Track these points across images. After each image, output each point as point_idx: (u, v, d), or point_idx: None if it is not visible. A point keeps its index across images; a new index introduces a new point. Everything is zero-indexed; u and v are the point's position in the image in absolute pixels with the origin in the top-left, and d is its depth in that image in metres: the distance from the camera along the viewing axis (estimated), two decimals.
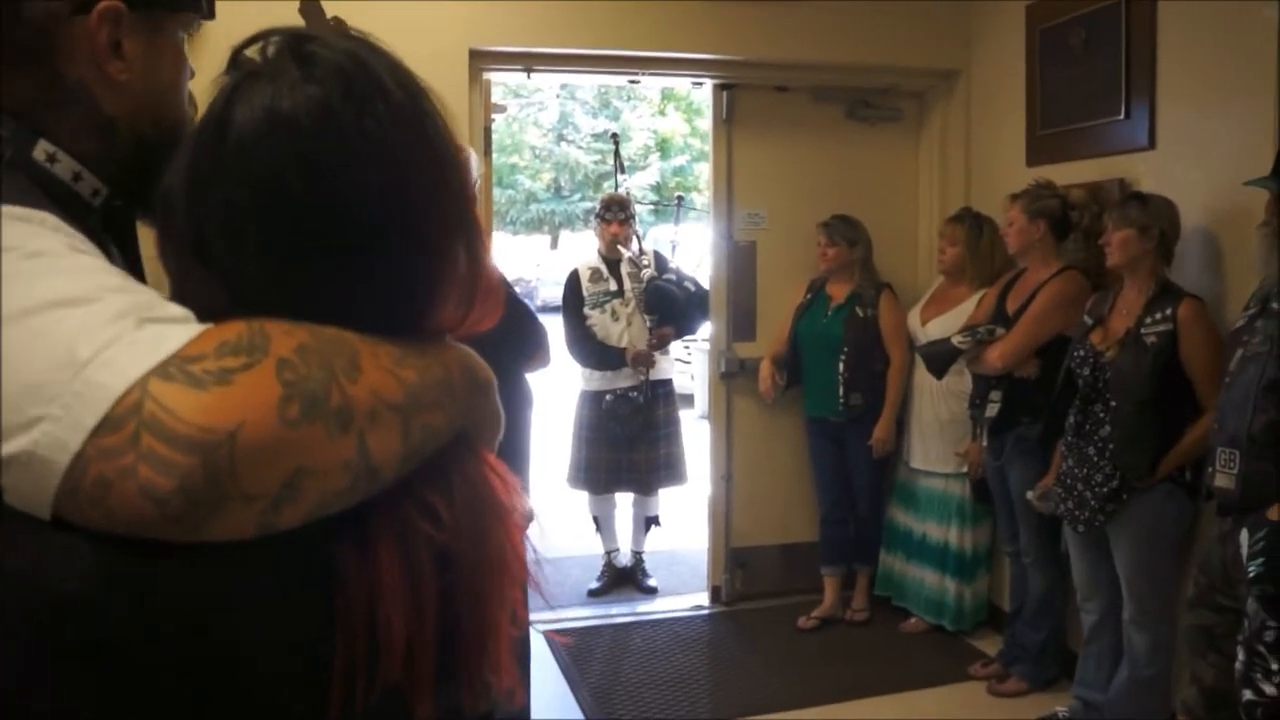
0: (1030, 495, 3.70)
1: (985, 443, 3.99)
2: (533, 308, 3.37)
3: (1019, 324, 3.80)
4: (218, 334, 0.73)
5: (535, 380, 3.14)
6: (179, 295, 0.82)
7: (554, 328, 4.84)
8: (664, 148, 24.88)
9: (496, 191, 25.87)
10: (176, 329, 0.73)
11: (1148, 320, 3.26)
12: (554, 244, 25.38)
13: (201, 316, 0.77)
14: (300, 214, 0.79)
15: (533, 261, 23.77)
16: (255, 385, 0.71)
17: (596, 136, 22.85)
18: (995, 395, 3.88)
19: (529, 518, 0.97)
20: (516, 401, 2.94)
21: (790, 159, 4.92)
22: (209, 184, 0.80)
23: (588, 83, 11.23)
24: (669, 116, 24.80)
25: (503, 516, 0.90)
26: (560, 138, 25.75)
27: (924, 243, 5.04)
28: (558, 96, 22.35)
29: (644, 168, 24.34)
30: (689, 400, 10.48)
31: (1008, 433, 3.87)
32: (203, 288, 0.81)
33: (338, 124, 0.80)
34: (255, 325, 0.75)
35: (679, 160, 23.68)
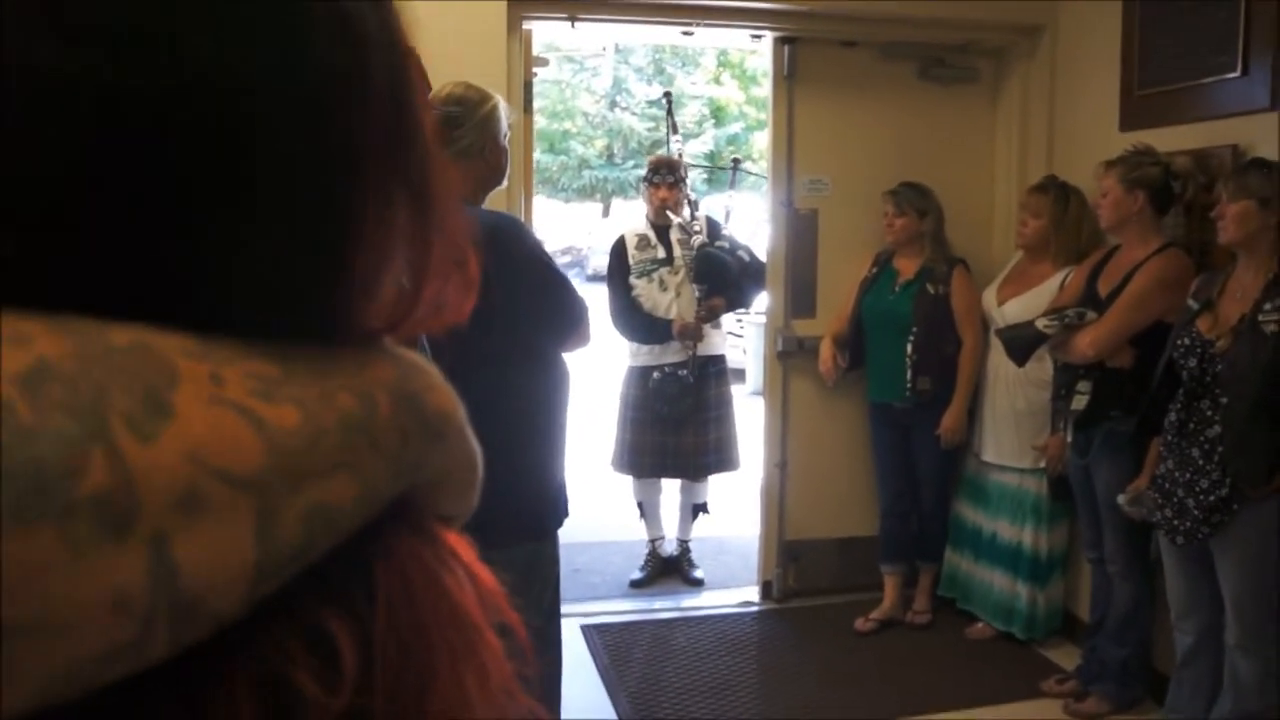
0: (1121, 499, 3.31)
1: (1069, 437, 3.60)
2: (580, 278, 3.00)
3: (1113, 307, 3.40)
4: None
5: (579, 356, 2.80)
6: None
7: (602, 297, 4.54)
8: (719, 115, 24.54)
9: (548, 158, 25.69)
10: None
11: (1267, 306, 2.85)
12: (606, 212, 25.08)
13: None
14: (72, 94, 0.38)
15: (584, 230, 23.51)
16: None
17: (651, 102, 22.56)
18: (1083, 386, 3.49)
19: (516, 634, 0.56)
20: (552, 382, 2.61)
21: (856, 121, 4.53)
22: None
23: (638, 37, 10.71)
24: (725, 85, 24.47)
25: (464, 646, 0.49)
26: (613, 104, 25.49)
27: (1000, 215, 4.64)
28: (604, 51, 21.98)
29: (698, 135, 24.00)
30: (740, 375, 10.13)
31: (1096, 428, 3.48)
32: None
33: None
34: None
35: (733, 128, 23.34)
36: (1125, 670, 3.59)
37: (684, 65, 25.11)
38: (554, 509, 2.66)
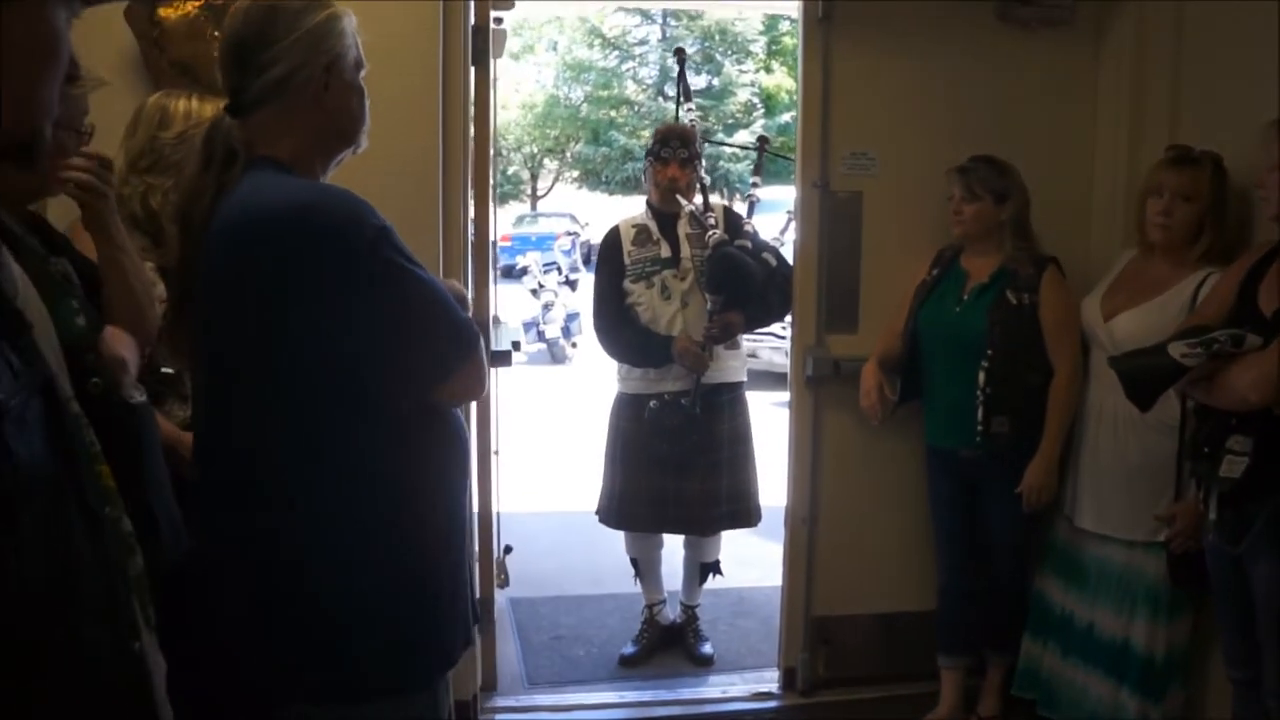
0: None
1: (1213, 514, 2.56)
2: (460, 293, 1.89)
3: None
4: None
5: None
6: None
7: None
8: (769, 104, 24.06)
9: (591, 149, 25.20)
10: None
11: None
12: None
13: None
14: None
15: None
16: None
17: (699, 92, 21.99)
18: (1239, 443, 2.44)
19: None
20: (405, 456, 1.61)
21: (913, 78, 3.55)
22: None
23: None
24: (775, 73, 24.13)
25: None
26: (659, 93, 25.03)
27: (1102, 199, 3.62)
28: (638, 42, 21.41)
29: (747, 125, 23.35)
30: (782, 380, 8.99)
31: (1256, 505, 2.43)
32: None
33: None
34: None
35: (784, 117, 22.77)
36: None
37: (733, 53, 24.70)
38: (427, 649, 1.67)
